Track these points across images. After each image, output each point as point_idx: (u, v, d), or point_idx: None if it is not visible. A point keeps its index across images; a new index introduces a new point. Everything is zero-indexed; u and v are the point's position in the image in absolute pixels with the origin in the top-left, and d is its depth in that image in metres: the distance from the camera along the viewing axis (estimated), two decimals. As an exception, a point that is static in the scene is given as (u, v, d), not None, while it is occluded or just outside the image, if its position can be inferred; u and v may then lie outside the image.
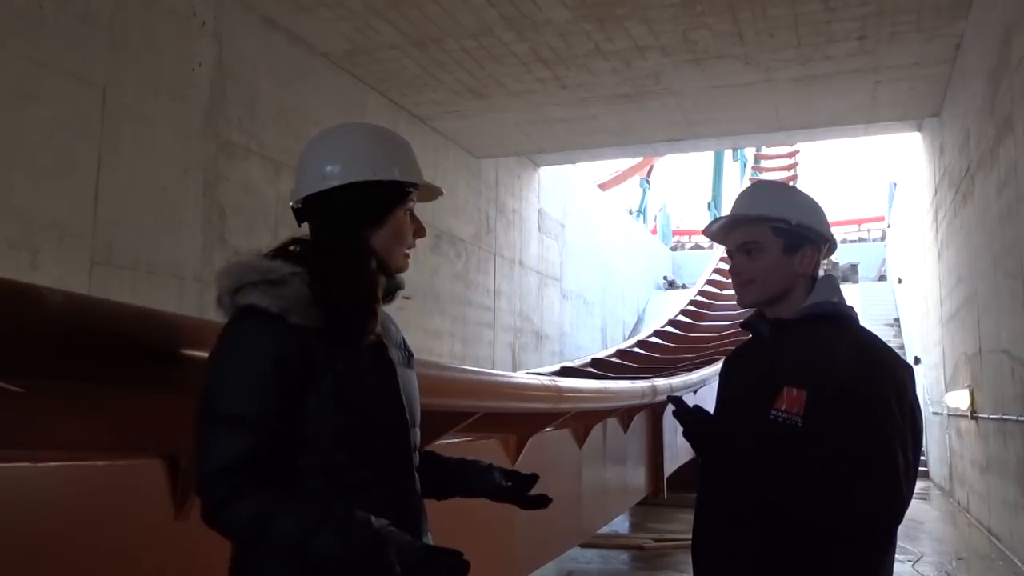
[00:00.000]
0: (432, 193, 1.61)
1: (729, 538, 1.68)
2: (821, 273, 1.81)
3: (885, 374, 1.62)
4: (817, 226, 1.77)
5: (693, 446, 1.76)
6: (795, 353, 1.69)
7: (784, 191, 1.85)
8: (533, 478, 1.65)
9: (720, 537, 1.72)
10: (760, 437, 1.63)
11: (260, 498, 1.29)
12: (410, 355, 1.61)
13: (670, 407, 1.81)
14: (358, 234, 1.46)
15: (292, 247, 1.47)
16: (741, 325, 1.90)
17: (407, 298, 1.59)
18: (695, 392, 7.74)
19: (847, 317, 1.75)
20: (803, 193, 1.84)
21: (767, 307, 1.80)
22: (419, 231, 1.54)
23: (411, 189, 1.52)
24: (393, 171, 1.48)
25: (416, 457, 1.54)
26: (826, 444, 1.56)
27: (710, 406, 1.85)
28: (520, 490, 1.64)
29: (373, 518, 1.26)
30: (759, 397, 1.67)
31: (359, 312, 1.42)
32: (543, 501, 1.64)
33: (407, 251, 1.53)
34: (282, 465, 1.35)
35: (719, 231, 1.85)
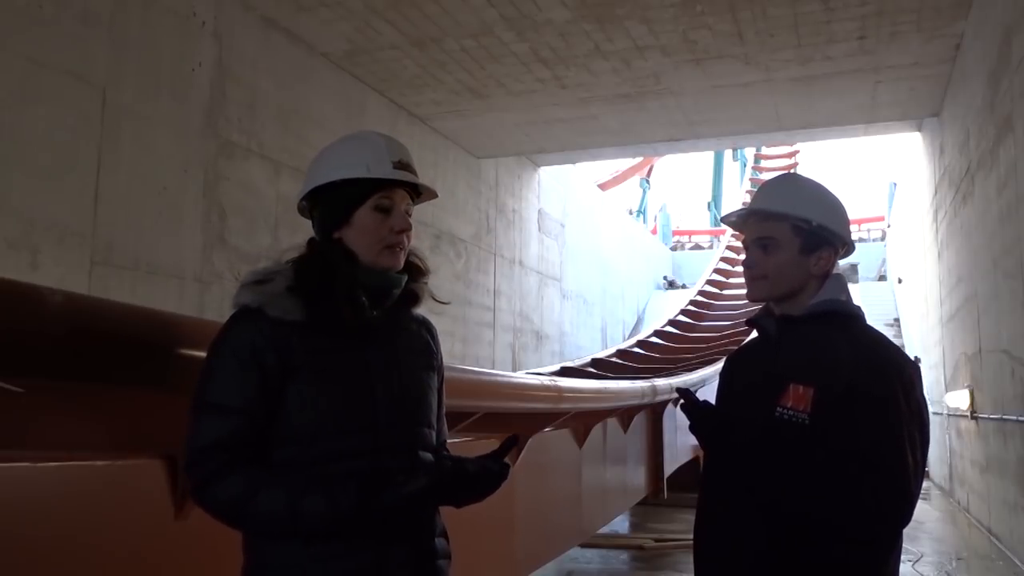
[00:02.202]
0: (428, 192, 1.63)
1: (731, 535, 1.67)
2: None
3: (893, 372, 1.61)
4: (837, 228, 1.75)
5: (699, 440, 1.75)
6: (802, 350, 1.68)
7: (810, 189, 1.80)
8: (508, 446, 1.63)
9: (722, 534, 1.71)
10: (766, 434, 1.63)
11: (246, 474, 1.37)
12: (431, 356, 1.64)
13: (679, 400, 1.79)
14: (331, 235, 1.54)
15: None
16: (747, 322, 1.88)
17: (444, 303, 1.60)
18: (695, 392, 7.69)
19: (854, 315, 1.74)
20: (829, 192, 1.81)
21: (775, 304, 1.78)
22: (397, 225, 1.53)
23: (381, 186, 1.53)
24: (345, 171, 1.52)
25: (425, 457, 1.55)
26: (834, 442, 1.55)
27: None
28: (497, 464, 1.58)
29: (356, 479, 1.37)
30: (764, 394, 1.66)
31: (323, 304, 1.47)
32: (510, 442, 1.61)
33: (386, 247, 1.53)
34: (264, 455, 1.42)
35: (738, 221, 1.83)
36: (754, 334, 1.89)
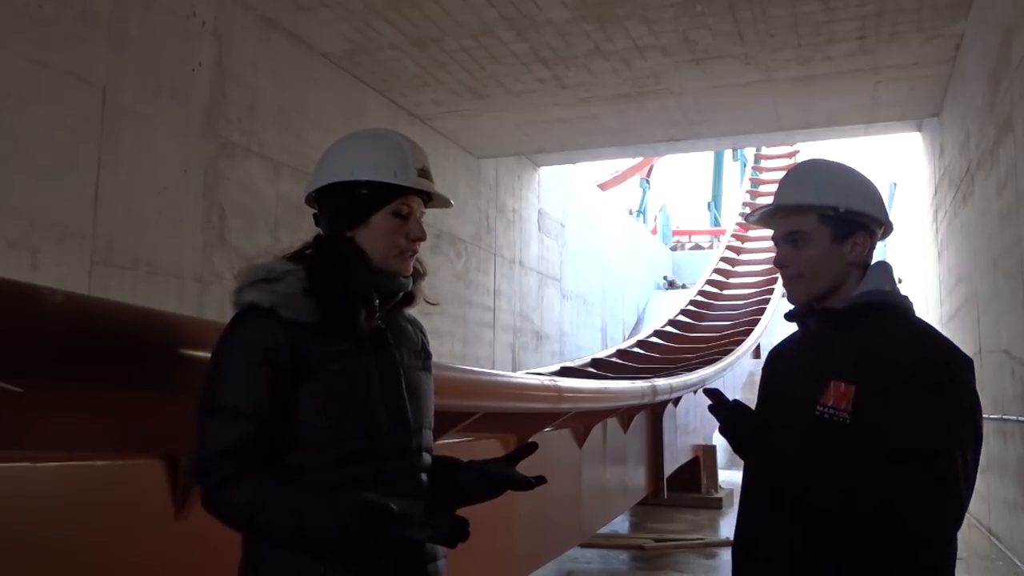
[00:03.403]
0: (441, 200, 1.62)
1: (768, 538, 1.61)
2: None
3: (943, 369, 1.50)
4: (869, 210, 1.63)
5: (730, 443, 1.67)
6: (843, 346, 1.58)
7: (832, 173, 1.68)
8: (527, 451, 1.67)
9: (760, 537, 1.64)
10: (804, 434, 1.55)
11: (257, 482, 1.34)
12: (427, 357, 1.63)
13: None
14: (344, 233, 1.51)
15: (308, 250, 1.52)
16: (786, 316, 1.76)
17: (433, 304, 1.60)
18: (695, 392, 7.74)
19: (900, 307, 1.63)
20: (855, 173, 1.69)
21: (816, 301, 1.66)
22: (413, 233, 1.54)
23: (403, 192, 1.52)
24: (373, 172, 1.50)
25: (426, 458, 1.55)
26: (878, 443, 1.46)
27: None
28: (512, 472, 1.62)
29: (365, 493, 1.31)
30: (804, 392, 1.57)
31: (341, 307, 1.45)
32: (534, 481, 1.62)
33: (400, 253, 1.53)
34: (276, 459, 1.39)
35: (763, 218, 1.73)
36: (794, 327, 1.77)
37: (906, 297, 1.65)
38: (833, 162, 1.75)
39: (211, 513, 1.36)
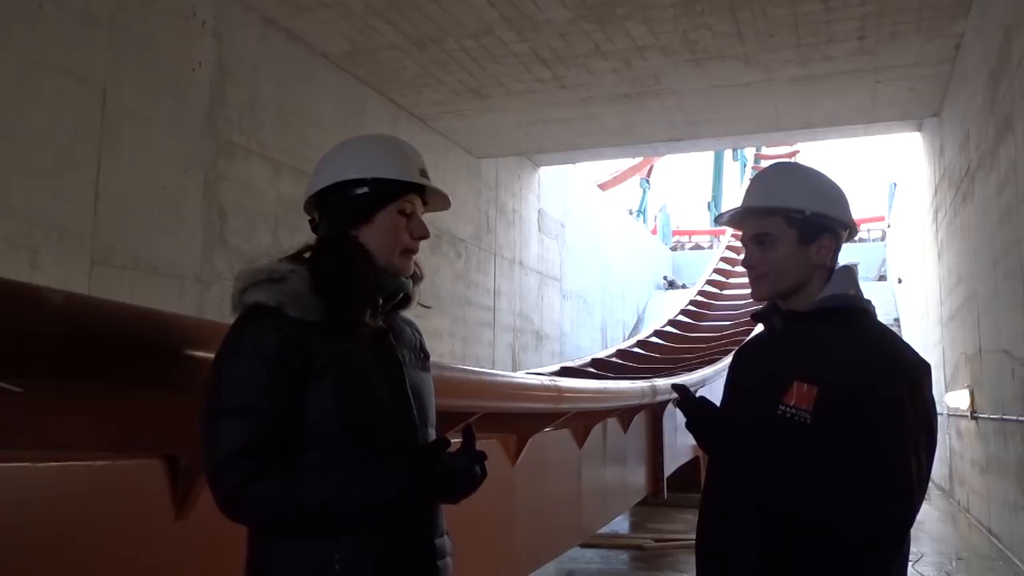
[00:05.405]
0: (442, 202, 1.65)
1: (729, 535, 1.64)
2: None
3: (900, 372, 1.56)
4: (835, 213, 1.68)
5: (695, 437, 1.71)
6: (807, 347, 1.63)
7: (799, 176, 1.74)
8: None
9: (721, 534, 1.68)
10: (766, 432, 1.58)
11: (277, 477, 1.33)
12: (425, 357, 1.64)
13: (675, 397, 1.76)
14: (348, 232, 1.52)
15: (305, 253, 1.52)
16: (753, 317, 1.82)
17: (427, 307, 1.61)
18: (695, 391, 7.68)
19: (863, 311, 1.67)
20: (821, 176, 1.75)
21: (782, 299, 1.72)
22: (417, 231, 1.56)
23: (407, 191, 1.54)
24: (378, 170, 1.51)
25: None
26: (836, 442, 1.50)
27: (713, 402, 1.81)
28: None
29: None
30: (768, 391, 1.62)
31: (349, 305, 1.46)
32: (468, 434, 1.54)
33: (404, 251, 1.54)
34: (287, 458, 1.38)
35: (732, 219, 1.78)
36: (760, 328, 1.82)
37: (869, 301, 1.70)
38: (801, 166, 1.81)
39: (231, 515, 1.34)
